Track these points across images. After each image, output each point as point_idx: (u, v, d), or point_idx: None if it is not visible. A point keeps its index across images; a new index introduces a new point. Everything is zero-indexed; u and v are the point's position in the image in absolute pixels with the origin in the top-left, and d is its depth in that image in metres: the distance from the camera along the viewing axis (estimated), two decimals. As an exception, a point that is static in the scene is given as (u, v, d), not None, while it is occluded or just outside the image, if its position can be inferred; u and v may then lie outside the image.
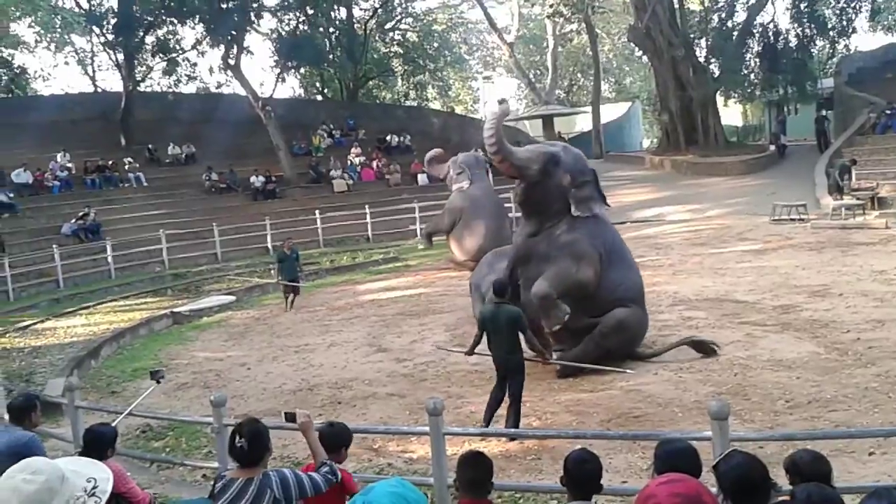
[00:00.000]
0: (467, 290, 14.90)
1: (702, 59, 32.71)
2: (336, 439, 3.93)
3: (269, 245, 22.40)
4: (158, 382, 5.76)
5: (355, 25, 35.92)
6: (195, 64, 30.33)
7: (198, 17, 26.53)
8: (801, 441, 4.73)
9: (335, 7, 32.34)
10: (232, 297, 16.64)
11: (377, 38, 39.24)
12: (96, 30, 26.84)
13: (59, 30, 21.25)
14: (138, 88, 28.78)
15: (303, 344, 12.02)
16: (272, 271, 19.75)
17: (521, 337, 7.40)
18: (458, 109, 49.85)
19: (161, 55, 28.47)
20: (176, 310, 15.50)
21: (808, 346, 9.14)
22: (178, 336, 13.81)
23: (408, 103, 41.31)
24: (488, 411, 7.34)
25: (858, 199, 19.64)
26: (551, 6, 38.71)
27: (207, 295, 17.39)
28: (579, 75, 52.16)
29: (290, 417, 3.83)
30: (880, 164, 21.91)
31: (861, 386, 7.50)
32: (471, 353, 7.79)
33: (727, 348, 9.31)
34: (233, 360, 11.50)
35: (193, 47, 29.38)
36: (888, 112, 24.21)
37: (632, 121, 46.20)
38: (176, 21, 27.69)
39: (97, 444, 3.93)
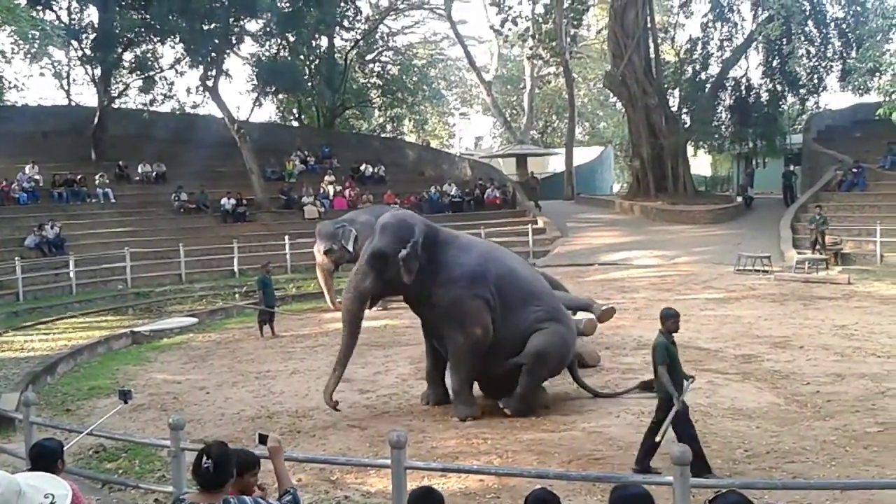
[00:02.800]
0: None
1: (674, 109, 33.35)
2: (242, 463, 3.79)
3: (236, 268, 22.22)
4: (126, 402, 5.64)
5: (336, 55, 36.09)
6: (172, 83, 30.17)
7: (178, 36, 26.47)
8: (760, 490, 4.77)
9: (317, 36, 32.48)
10: (194, 319, 16.45)
11: (357, 68, 39.48)
12: (74, 44, 26.64)
13: (36, 41, 21.04)
14: (113, 105, 28.55)
15: (264, 370, 11.88)
16: (237, 296, 19.69)
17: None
18: (434, 143, 50.14)
19: (138, 72, 28.33)
20: (136, 329, 15.27)
21: (768, 396, 9.24)
22: (136, 356, 13.58)
23: (384, 135, 41.46)
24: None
25: (822, 254, 20.05)
26: (531, 48, 39.38)
27: (169, 316, 17.18)
28: (554, 117, 52.85)
29: (263, 439, 3.80)
30: (845, 221, 22.41)
31: (819, 438, 7.58)
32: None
33: (689, 394, 9.34)
34: (191, 383, 11.32)
35: (172, 66, 29.26)
36: (854, 170, 24.82)
37: (604, 164, 46.81)
38: (156, 40, 27.62)
39: (44, 459, 3.83)
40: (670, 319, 6.99)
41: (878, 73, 23.88)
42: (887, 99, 21.05)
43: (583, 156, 43.46)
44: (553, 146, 47.61)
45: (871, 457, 7.07)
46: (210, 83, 27.36)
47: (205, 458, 3.26)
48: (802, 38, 30.43)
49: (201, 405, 10.04)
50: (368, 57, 40.29)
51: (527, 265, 10.19)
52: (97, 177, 25.56)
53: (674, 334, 7.01)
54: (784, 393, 9.27)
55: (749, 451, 7.34)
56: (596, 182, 43.38)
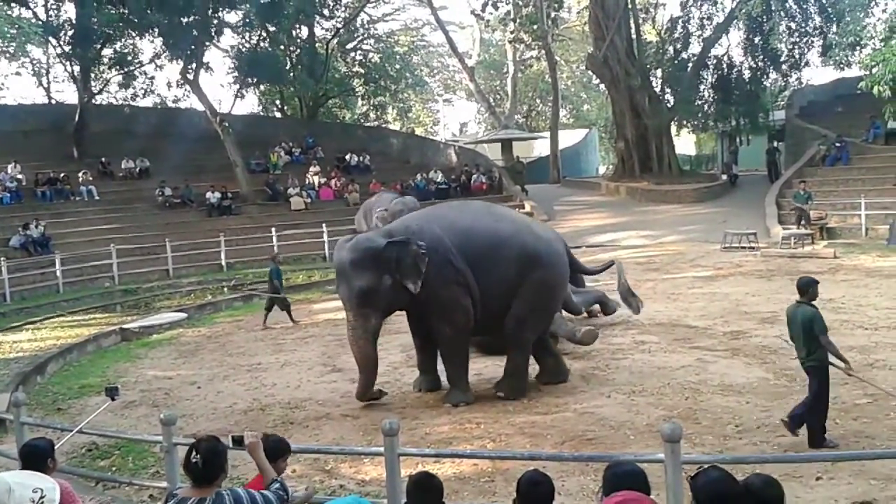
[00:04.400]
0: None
1: (657, 89, 33.41)
2: (275, 450, 3.93)
3: (223, 262, 22.13)
4: (113, 399, 5.63)
5: (317, 44, 35.89)
6: (153, 78, 29.96)
7: (157, 30, 26.25)
8: (751, 465, 4.81)
9: (297, 25, 32.28)
10: (183, 315, 16.39)
11: (339, 57, 39.25)
12: (53, 41, 26.38)
13: (14, 40, 20.81)
14: (94, 101, 28.31)
15: (255, 363, 11.87)
16: (225, 289, 19.62)
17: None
18: (418, 131, 50.09)
19: (118, 68, 28.08)
20: (125, 326, 15.20)
21: (758, 371, 9.32)
22: (126, 353, 13.54)
23: (368, 123, 41.33)
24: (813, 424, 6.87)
25: (808, 228, 20.18)
26: (512, 32, 39.28)
27: (158, 312, 17.11)
28: (538, 101, 52.83)
29: (238, 440, 3.79)
30: (829, 196, 22.55)
31: (809, 411, 7.64)
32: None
33: (678, 372, 9.45)
34: (182, 378, 11.30)
35: (151, 61, 29.05)
36: (838, 145, 24.95)
37: (589, 147, 46.86)
38: (135, 34, 27.39)
39: (34, 458, 3.82)
40: (812, 287, 7.05)
41: (858, 47, 24.03)
42: (868, 73, 21.12)
43: (568, 139, 43.49)
44: (538, 130, 47.59)
45: (860, 428, 7.15)
46: (191, 76, 27.17)
47: (194, 454, 3.27)
48: (783, 14, 30.64)
49: (193, 400, 10.03)
50: (350, 45, 40.07)
51: (489, 213, 9.76)
52: (80, 174, 25.35)
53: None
54: (773, 368, 9.36)
55: (740, 427, 7.41)
56: (581, 164, 43.44)
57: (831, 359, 6.85)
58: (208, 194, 25.72)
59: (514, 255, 8.76)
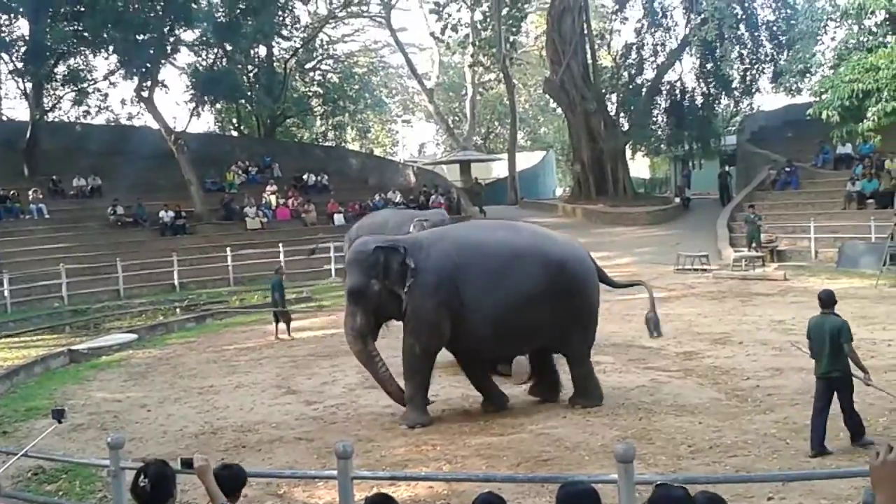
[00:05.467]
0: (381, 333, 14.84)
1: (613, 114, 33.96)
2: (233, 482, 3.81)
3: (176, 282, 21.78)
4: (60, 422, 5.46)
5: (275, 63, 35.79)
6: (106, 95, 29.51)
7: (112, 47, 25.92)
8: (703, 485, 4.83)
9: (255, 44, 32.14)
10: (133, 336, 16.05)
11: (297, 77, 39.19)
12: (5, 56, 25.85)
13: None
14: (45, 118, 27.75)
15: (207, 385, 11.65)
16: (177, 310, 19.29)
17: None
18: (377, 151, 50.05)
19: (72, 85, 27.60)
20: (74, 347, 14.82)
21: (710, 392, 9.43)
22: (74, 375, 13.18)
23: (326, 143, 41.22)
24: (817, 435, 7.10)
25: (758, 251, 20.59)
26: (471, 55, 39.63)
27: (108, 333, 16.75)
28: (496, 123, 53.24)
29: (187, 463, 3.70)
30: (779, 219, 23.07)
31: (760, 432, 7.76)
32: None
33: (633, 392, 9.52)
34: (132, 401, 11.04)
35: (106, 78, 28.62)
36: (787, 169, 25.56)
37: (546, 169, 47.33)
38: (89, 51, 26.99)
39: None
40: (834, 298, 7.40)
41: (808, 74, 24.72)
42: (818, 99, 21.71)
43: (525, 161, 43.90)
44: (496, 152, 47.94)
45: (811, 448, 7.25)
46: (145, 94, 26.82)
47: (142, 478, 3.20)
48: (735, 42, 31.36)
49: (142, 423, 9.80)
50: (308, 65, 40.06)
51: (506, 227, 10.08)
52: (30, 192, 24.72)
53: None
54: (725, 388, 9.48)
55: (693, 447, 7.47)
56: (539, 186, 43.83)
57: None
58: (161, 213, 25.34)
59: (539, 264, 8.77)
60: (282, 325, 15.43)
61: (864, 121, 19.41)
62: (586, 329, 9.17)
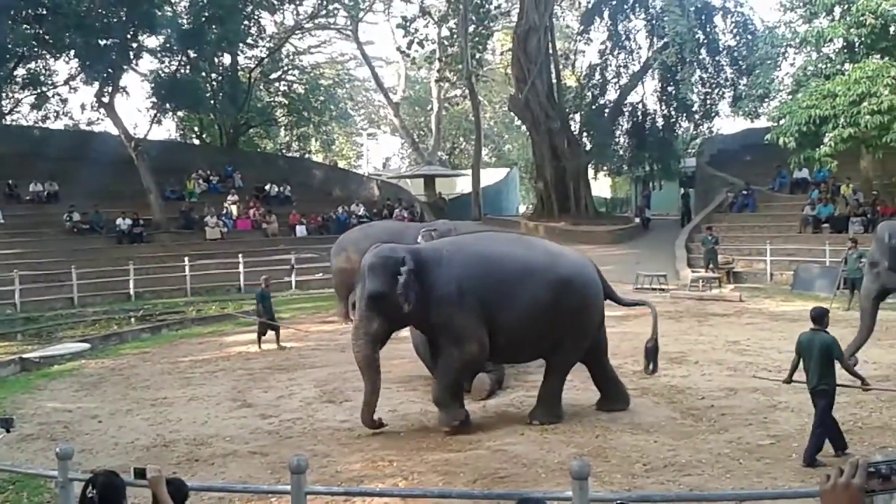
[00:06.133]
0: (340, 347, 14.76)
1: (576, 133, 34.35)
2: (175, 496, 3.75)
3: (132, 291, 21.43)
4: (8, 431, 5.33)
5: (239, 73, 35.56)
6: (66, 100, 29.10)
7: (73, 52, 25.54)
8: (657, 503, 4.87)
9: (219, 53, 31.91)
10: (87, 345, 15.71)
11: (262, 86, 38.97)
12: (-38, 59, 25.38)
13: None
14: (3, 121, 27.20)
15: (161, 397, 11.42)
16: (132, 320, 18.95)
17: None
18: (341, 164, 49.92)
19: (31, 88, 27.13)
20: (25, 355, 14.46)
21: (665, 410, 9.51)
22: (25, 384, 12.84)
23: (290, 154, 40.98)
24: (835, 438, 7.44)
25: (715, 272, 20.91)
26: (438, 71, 39.79)
27: (60, 341, 16.37)
28: (461, 139, 53.48)
29: (140, 473, 3.62)
30: (736, 241, 23.47)
31: (714, 451, 7.83)
32: (788, 381, 8.11)
33: (589, 410, 9.56)
34: (83, 411, 10.78)
35: (66, 82, 28.21)
36: (745, 192, 26.04)
37: (510, 186, 47.57)
38: (49, 55, 26.56)
39: None
40: (826, 316, 7.69)
41: (766, 99, 25.20)
42: (776, 124, 22.17)
43: (489, 177, 44.07)
44: (460, 167, 48.10)
45: (763, 469, 7.33)
46: (106, 100, 26.46)
47: (90, 489, 3.14)
48: (696, 66, 31.93)
49: (93, 434, 9.57)
50: (273, 75, 39.86)
51: (520, 242, 10.20)
52: (-16, 197, 24.27)
53: None
54: (680, 407, 9.56)
55: (648, 465, 7.51)
56: (502, 203, 44.01)
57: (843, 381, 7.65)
58: (119, 221, 24.94)
59: (548, 281, 8.93)
60: (271, 334, 15.30)
61: (821, 147, 19.88)
62: (576, 344, 9.29)
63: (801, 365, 7.68)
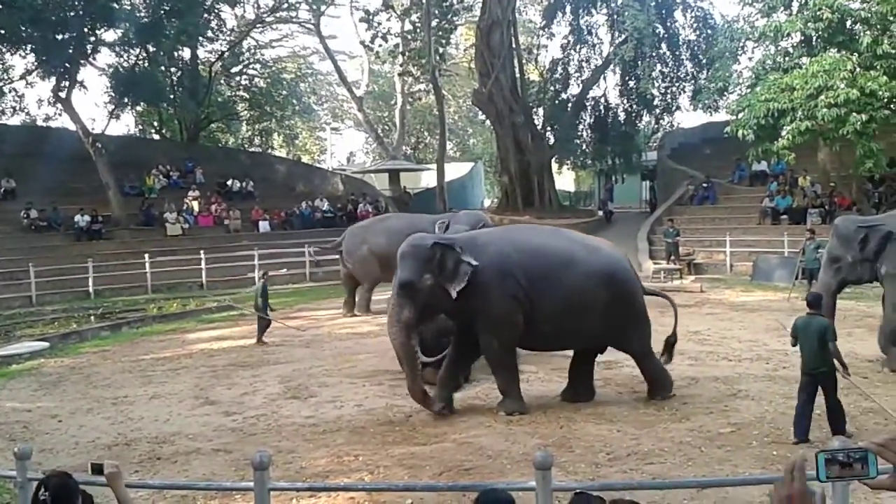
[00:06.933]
0: (305, 342, 14.69)
1: (540, 127, 34.48)
2: None
3: (91, 289, 21.07)
4: None
5: (200, 67, 35.08)
6: (23, 95, 28.45)
7: (29, 46, 24.99)
8: (619, 491, 4.91)
9: (178, 46, 31.44)
10: (45, 344, 15.43)
11: (222, 80, 38.50)
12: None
13: None
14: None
15: (122, 395, 11.26)
16: (92, 318, 18.65)
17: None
18: (305, 158, 49.50)
19: (-15, 84, 26.55)
20: (-20, 356, 14.17)
21: (628, 400, 9.61)
22: (-19, 384, 12.59)
23: (252, 149, 40.55)
24: (802, 424, 7.63)
25: (677, 263, 21.18)
26: (401, 65, 39.64)
27: (18, 340, 16.04)
28: (426, 133, 53.40)
29: (97, 469, 3.56)
30: (697, 233, 23.79)
31: (676, 440, 7.94)
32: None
33: (554, 402, 9.63)
34: (43, 411, 10.59)
35: (22, 77, 27.60)
36: (705, 185, 26.40)
37: (474, 180, 47.65)
38: (5, 49, 25.96)
39: None
40: (821, 300, 8.24)
41: (726, 93, 25.55)
42: (735, 117, 22.50)
43: (454, 171, 44.09)
44: (425, 162, 48.05)
45: (724, 456, 7.45)
46: (63, 94, 25.94)
47: (42, 490, 3.07)
48: (656, 60, 32.24)
49: (53, 434, 9.41)
50: (235, 69, 39.36)
51: (560, 234, 10.42)
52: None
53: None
54: (642, 397, 9.66)
55: (611, 455, 7.59)
56: (467, 197, 44.06)
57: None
58: (77, 217, 24.49)
59: (594, 271, 9.20)
60: (273, 327, 15.37)
61: (779, 139, 20.23)
62: (642, 329, 9.63)
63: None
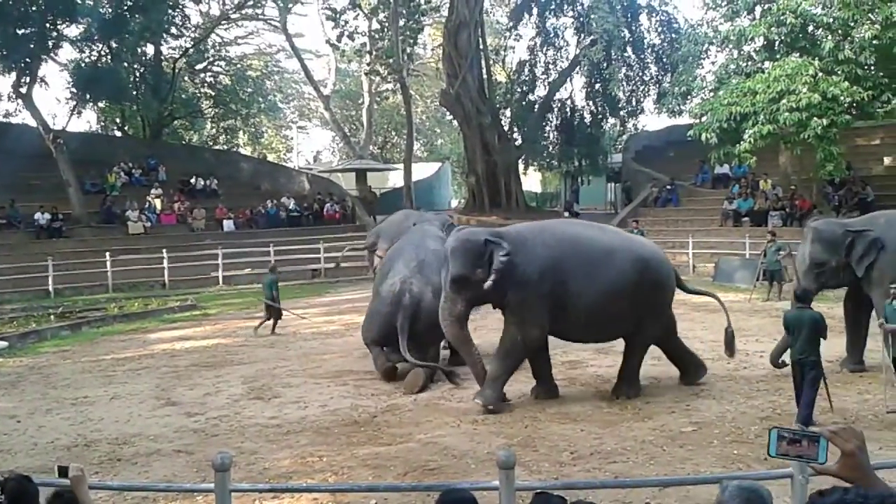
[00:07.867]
0: (268, 342, 14.57)
1: (507, 128, 34.62)
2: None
3: (51, 287, 20.69)
4: None
5: (163, 63, 34.62)
6: (-19, 91, 27.82)
7: (-11, 41, 24.48)
8: (582, 490, 4.95)
9: (142, 42, 30.99)
10: (4, 343, 15.10)
11: (186, 77, 38.03)
12: None
13: None
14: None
15: (81, 396, 11.07)
16: (52, 317, 18.33)
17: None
18: (271, 157, 49.12)
19: (-57, 79, 25.89)
20: (-64, 355, 13.84)
21: (592, 399, 9.68)
22: (-65, 385, 12.29)
23: (217, 147, 40.12)
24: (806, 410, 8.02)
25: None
26: (368, 64, 39.53)
27: (-25, 340, 15.70)
28: (393, 133, 53.29)
29: (63, 471, 3.52)
30: (660, 234, 24.00)
31: (639, 439, 8.01)
32: (776, 363, 8.70)
33: (519, 401, 9.67)
34: (1, 411, 10.38)
35: (-19, 73, 26.98)
36: (669, 187, 26.70)
37: (442, 180, 47.70)
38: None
39: None
40: (810, 295, 8.63)
41: (689, 97, 25.86)
42: (698, 121, 22.76)
43: (421, 171, 44.09)
44: (392, 161, 47.97)
45: (686, 455, 7.53)
46: (24, 90, 25.44)
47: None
48: (622, 63, 32.53)
49: (11, 435, 9.22)
50: (199, 66, 38.93)
51: (594, 226, 10.54)
52: None
53: None
54: (606, 396, 9.74)
55: (575, 454, 7.64)
56: (434, 197, 44.09)
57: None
58: (37, 215, 24.05)
59: (628, 261, 9.34)
60: (270, 322, 15.53)
61: (741, 143, 20.49)
62: (655, 323, 9.76)
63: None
